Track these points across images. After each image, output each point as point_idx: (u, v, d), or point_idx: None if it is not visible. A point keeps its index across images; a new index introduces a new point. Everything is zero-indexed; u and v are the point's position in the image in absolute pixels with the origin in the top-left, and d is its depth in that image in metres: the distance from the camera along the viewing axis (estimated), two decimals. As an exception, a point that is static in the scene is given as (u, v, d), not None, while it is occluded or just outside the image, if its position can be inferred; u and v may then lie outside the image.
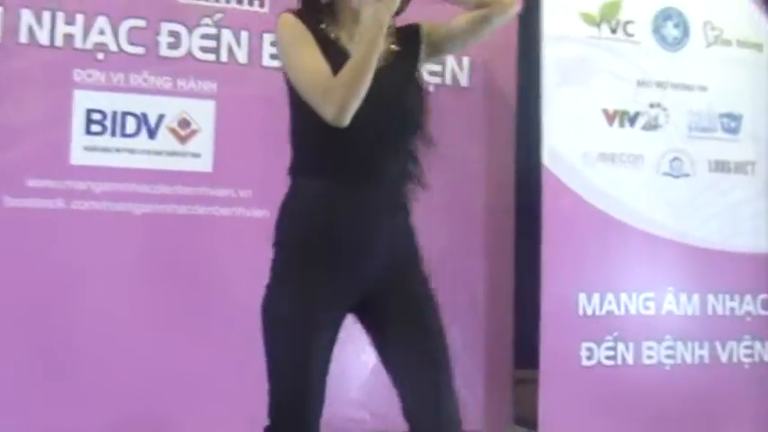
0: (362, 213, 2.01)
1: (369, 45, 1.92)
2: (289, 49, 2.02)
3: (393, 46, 2.12)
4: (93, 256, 3.37)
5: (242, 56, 3.61)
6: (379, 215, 2.03)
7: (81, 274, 3.35)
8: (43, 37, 3.39)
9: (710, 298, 3.92)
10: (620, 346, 3.77)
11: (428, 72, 3.89)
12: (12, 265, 3.31)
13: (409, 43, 2.16)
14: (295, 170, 2.07)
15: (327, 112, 1.90)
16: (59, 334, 3.32)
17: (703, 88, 3.97)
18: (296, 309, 1.97)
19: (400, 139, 2.06)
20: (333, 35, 2.06)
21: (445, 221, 3.87)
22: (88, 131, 3.42)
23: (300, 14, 2.06)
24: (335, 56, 2.00)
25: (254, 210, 3.60)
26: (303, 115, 2.00)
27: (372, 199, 2.02)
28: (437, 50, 2.24)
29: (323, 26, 2.06)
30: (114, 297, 3.38)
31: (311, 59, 1.96)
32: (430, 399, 2.01)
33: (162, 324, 3.40)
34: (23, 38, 3.37)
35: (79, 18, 3.43)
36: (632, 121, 3.87)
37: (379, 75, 1.96)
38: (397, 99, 2.05)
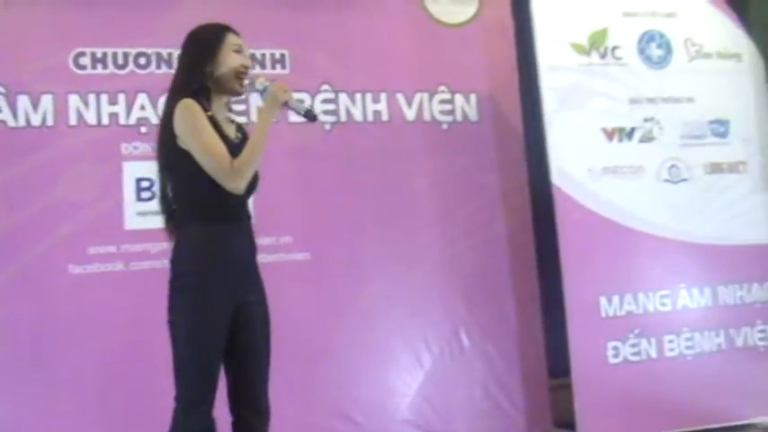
0: (240, 245, 2.55)
1: (267, 125, 2.50)
2: (194, 131, 2.44)
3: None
4: (155, 310, 3.66)
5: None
6: (250, 246, 2.60)
7: (147, 328, 3.63)
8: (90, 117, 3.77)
9: (720, 290, 4.22)
10: (643, 342, 4.06)
11: (439, 111, 4.26)
12: (80, 326, 3.62)
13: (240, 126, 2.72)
14: (187, 219, 2.52)
15: (233, 185, 2.44)
16: (133, 387, 3.62)
17: (691, 99, 4.31)
18: (201, 319, 2.44)
19: (251, 193, 2.61)
20: (210, 113, 2.52)
21: (471, 246, 4.21)
22: (139, 198, 3.77)
23: (195, 98, 2.49)
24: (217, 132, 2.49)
25: (295, 254, 3.94)
26: (198, 180, 2.46)
27: (244, 236, 2.58)
28: None
29: (203, 103, 2.52)
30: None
31: (217, 144, 2.45)
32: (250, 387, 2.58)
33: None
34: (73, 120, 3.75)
35: (121, 97, 3.80)
36: (629, 135, 4.20)
37: (239, 150, 2.50)
38: None
